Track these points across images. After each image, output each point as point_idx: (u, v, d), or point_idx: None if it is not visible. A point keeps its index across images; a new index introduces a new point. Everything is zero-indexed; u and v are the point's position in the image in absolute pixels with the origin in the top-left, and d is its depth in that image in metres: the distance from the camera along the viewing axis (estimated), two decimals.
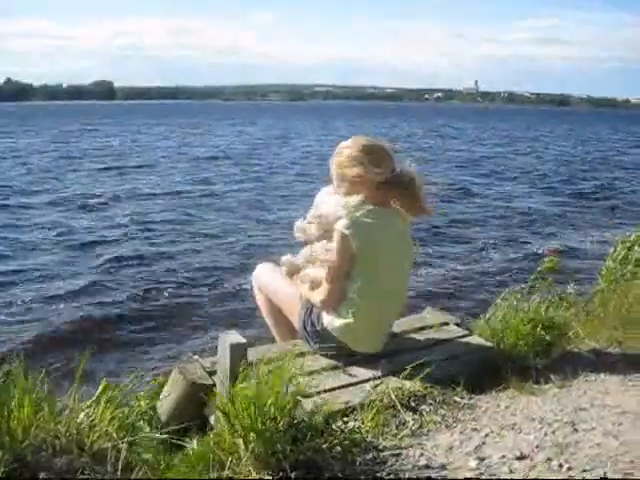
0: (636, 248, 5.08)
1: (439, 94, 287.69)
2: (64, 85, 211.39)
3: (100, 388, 2.10)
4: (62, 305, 6.55)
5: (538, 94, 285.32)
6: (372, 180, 2.76)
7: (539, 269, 4.02)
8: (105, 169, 19.48)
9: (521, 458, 1.95)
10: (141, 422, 2.42)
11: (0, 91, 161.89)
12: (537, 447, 2.02)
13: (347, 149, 2.84)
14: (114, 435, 1.89)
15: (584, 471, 1.84)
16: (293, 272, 3.05)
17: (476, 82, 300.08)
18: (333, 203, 2.87)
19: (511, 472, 1.88)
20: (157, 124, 49.77)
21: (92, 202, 13.26)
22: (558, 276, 4.45)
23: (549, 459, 1.93)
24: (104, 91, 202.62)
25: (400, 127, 49.78)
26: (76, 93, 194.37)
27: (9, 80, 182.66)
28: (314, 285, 2.88)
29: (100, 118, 62.35)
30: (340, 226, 2.69)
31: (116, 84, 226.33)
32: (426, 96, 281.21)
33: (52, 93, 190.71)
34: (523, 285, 3.85)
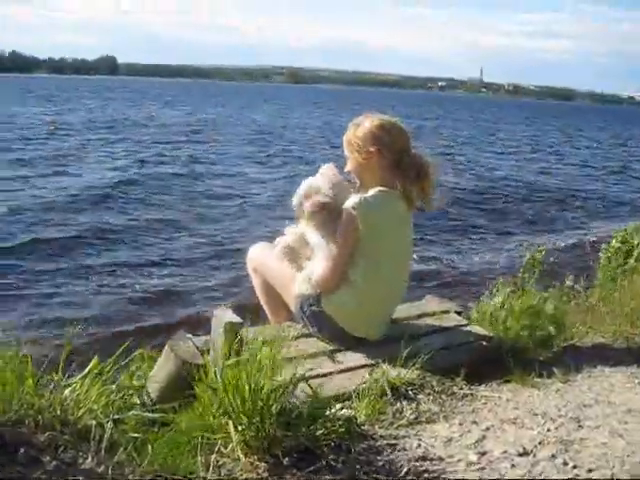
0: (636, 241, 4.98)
1: (443, 83, 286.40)
2: (68, 59, 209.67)
3: (90, 365, 2.02)
4: (58, 281, 6.44)
5: (542, 87, 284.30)
6: (383, 159, 2.68)
7: (527, 259, 3.92)
8: None
9: (523, 454, 1.86)
10: (129, 400, 2.34)
11: (4, 63, 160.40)
12: (540, 443, 1.93)
13: (362, 125, 2.77)
14: (99, 413, 1.81)
15: (590, 470, 1.76)
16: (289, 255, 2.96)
17: (481, 71, 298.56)
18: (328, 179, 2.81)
19: (513, 468, 1.79)
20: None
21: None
22: (557, 269, 4.34)
23: (553, 456, 1.84)
24: (108, 66, 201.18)
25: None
26: (81, 68, 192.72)
27: (14, 52, 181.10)
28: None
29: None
30: (349, 205, 2.62)
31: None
32: (429, 85, 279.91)
33: (57, 67, 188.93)
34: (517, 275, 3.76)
